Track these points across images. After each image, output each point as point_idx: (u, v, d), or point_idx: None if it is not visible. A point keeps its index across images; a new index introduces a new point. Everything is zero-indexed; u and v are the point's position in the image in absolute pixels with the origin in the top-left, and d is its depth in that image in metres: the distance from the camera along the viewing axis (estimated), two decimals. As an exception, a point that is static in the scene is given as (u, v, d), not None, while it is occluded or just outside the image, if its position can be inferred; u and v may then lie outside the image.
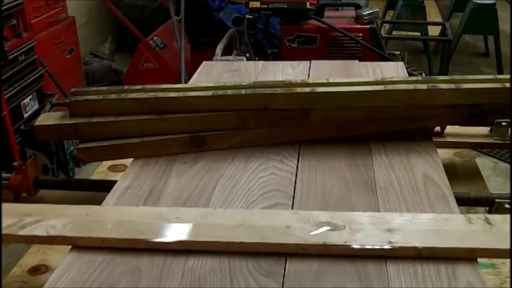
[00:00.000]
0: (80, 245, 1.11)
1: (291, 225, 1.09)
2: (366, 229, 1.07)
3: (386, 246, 1.03)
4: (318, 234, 1.06)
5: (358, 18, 3.21)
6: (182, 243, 1.08)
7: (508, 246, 1.02)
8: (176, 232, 1.10)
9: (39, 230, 1.14)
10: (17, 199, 1.65)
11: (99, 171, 2.00)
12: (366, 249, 1.03)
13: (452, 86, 1.45)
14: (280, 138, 1.51)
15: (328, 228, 1.08)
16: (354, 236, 1.05)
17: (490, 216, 1.10)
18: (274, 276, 1.00)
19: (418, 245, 1.02)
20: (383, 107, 1.46)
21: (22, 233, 1.14)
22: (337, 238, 1.05)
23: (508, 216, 1.10)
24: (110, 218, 1.16)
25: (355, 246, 1.03)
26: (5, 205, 1.25)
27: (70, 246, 1.11)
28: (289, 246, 1.05)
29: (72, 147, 3.27)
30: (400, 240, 1.04)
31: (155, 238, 1.09)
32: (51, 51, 3.74)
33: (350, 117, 1.49)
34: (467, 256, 1.01)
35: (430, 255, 1.02)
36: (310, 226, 1.09)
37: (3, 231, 1.14)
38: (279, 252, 1.05)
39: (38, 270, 1.51)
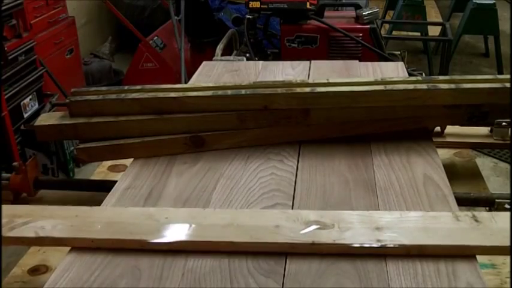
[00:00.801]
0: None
1: (280, 225, 1.10)
2: (354, 228, 1.08)
3: (375, 245, 1.03)
4: (307, 233, 1.07)
5: (358, 18, 3.21)
6: (173, 244, 1.08)
7: (495, 243, 1.02)
8: (166, 232, 1.10)
9: (28, 232, 1.13)
10: (17, 199, 1.65)
11: (99, 171, 2.00)
12: (355, 247, 1.04)
13: (452, 86, 1.45)
14: (280, 138, 1.51)
15: (317, 227, 1.09)
16: (342, 235, 1.06)
17: (477, 213, 1.11)
18: (274, 276, 1.00)
19: (406, 242, 1.03)
20: (383, 107, 1.46)
21: (11, 234, 1.13)
22: (326, 237, 1.06)
23: (495, 213, 1.12)
24: (100, 218, 1.16)
25: (344, 243, 1.04)
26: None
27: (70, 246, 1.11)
28: (278, 246, 1.06)
29: (72, 147, 3.27)
30: (389, 238, 1.05)
31: (145, 238, 1.09)
32: (51, 51, 3.74)
33: (350, 117, 1.49)
34: (456, 253, 1.02)
35: (419, 252, 1.03)
36: (299, 225, 1.10)
37: None
38: (270, 252, 1.05)
39: (38, 270, 1.51)
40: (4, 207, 1.26)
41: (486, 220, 1.08)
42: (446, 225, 1.08)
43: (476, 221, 1.08)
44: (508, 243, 1.02)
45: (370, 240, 1.04)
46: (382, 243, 1.03)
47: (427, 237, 1.04)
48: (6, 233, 1.14)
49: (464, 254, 1.02)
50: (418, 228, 1.07)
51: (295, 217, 1.12)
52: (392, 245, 1.03)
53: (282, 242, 1.05)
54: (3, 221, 1.16)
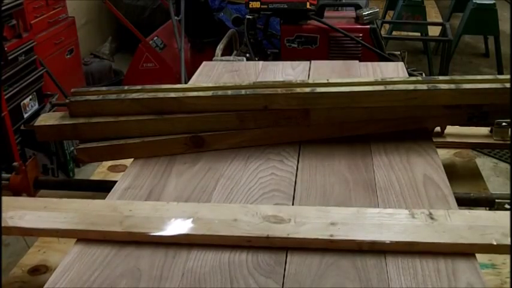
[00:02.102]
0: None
1: (238, 218, 1.12)
2: (310, 222, 1.10)
3: (326, 238, 1.06)
4: (263, 227, 1.09)
5: (358, 19, 3.20)
6: (131, 235, 1.11)
7: (447, 240, 1.04)
8: (128, 224, 1.13)
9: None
10: (17, 199, 1.64)
11: (99, 171, 2.00)
12: (306, 240, 1.06)
13: (452, 86, 1.45)
14: (280, 138, 1.51)
15: (274, 221, 1.11)
16: (297, 229, 1.08)
17: (433, 211, 1.13)
18: (275, 276, 1.00)
19: (358, 238, 1.05)
20: (383, 107, 1.46)
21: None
22: (281, 231, 1.08)
23: (452, 211, 1.13)
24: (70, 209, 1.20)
25: (298, 237, 1.06)
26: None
27: (70, 247, 1.11)
28: (234, 239, 1.08)
29: (72, 148, 3.27)
30: (342, 233, 1.07)
31: (109, 229, 1.12)
32: (51, 52, 3.74)
33: (350, 117, 1.49)
34: (406, 249, 1.04)
35: (369, 248, 1.05)
36: (257, 219, 1.12)
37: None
38: (225, 245, 1.08)
39: (37, 270, 1.51)
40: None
41: (441, 218, 1.10)
42: (401, 222, 1.10)
43: (432, 218, 1.10)
44: (460, 241, 1.04)
45: (323, 235, 1.06)
46: (334, 238, 1.06)
47: (379, 234, 1.07)
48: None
49: (415, 250, 1.04)
50: (373, 224, 1.09)
51: (254, 211, 1.15)
52: (343, 240, 1.06)
53: (237, 236, 1.08)
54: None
